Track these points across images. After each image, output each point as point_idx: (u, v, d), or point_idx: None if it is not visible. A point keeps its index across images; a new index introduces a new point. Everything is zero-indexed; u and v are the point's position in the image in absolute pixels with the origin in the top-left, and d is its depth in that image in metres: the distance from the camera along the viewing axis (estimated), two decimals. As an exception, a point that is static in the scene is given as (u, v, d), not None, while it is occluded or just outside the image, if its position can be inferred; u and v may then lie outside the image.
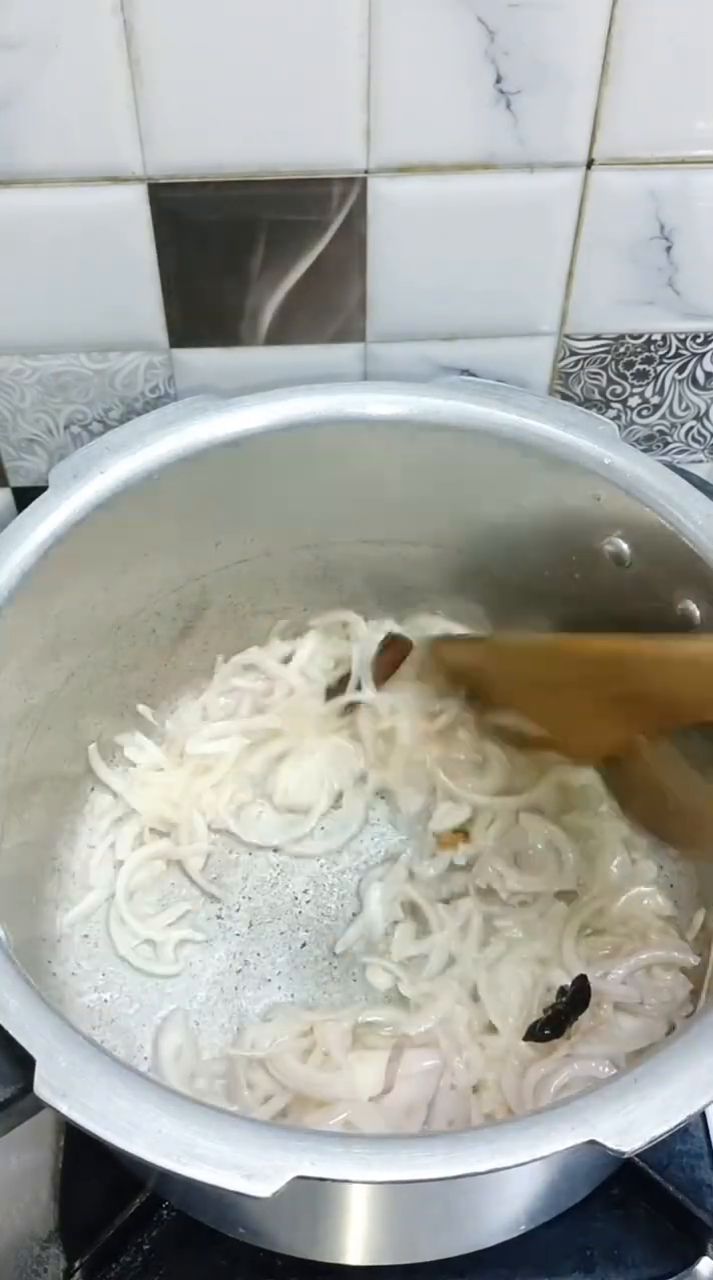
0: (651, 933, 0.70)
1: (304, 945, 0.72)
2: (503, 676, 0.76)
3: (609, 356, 0.72)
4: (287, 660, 0.81)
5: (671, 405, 0.75)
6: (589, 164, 0.63)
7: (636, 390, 0.74)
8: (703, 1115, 0.65)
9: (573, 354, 0.72)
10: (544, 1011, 0.66)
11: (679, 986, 0.67)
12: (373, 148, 0.61)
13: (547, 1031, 0.65)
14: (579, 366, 0.73)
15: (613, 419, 0.71)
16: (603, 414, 0.71)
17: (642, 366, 0.73)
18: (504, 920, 0.71)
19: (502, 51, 0.58)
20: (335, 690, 0.80)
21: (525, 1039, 0.65)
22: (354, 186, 0.63)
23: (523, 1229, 0.64)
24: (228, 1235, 0.64)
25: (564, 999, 0.66)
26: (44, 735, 0.68)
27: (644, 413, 0.75)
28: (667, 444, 0.78)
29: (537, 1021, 0.66)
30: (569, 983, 0.66)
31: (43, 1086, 0.46)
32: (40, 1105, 0.47)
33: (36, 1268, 0.64)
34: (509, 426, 0.67)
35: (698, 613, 0.63)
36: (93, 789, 0.76)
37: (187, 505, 0.68)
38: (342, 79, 0.59)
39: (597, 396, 0.74)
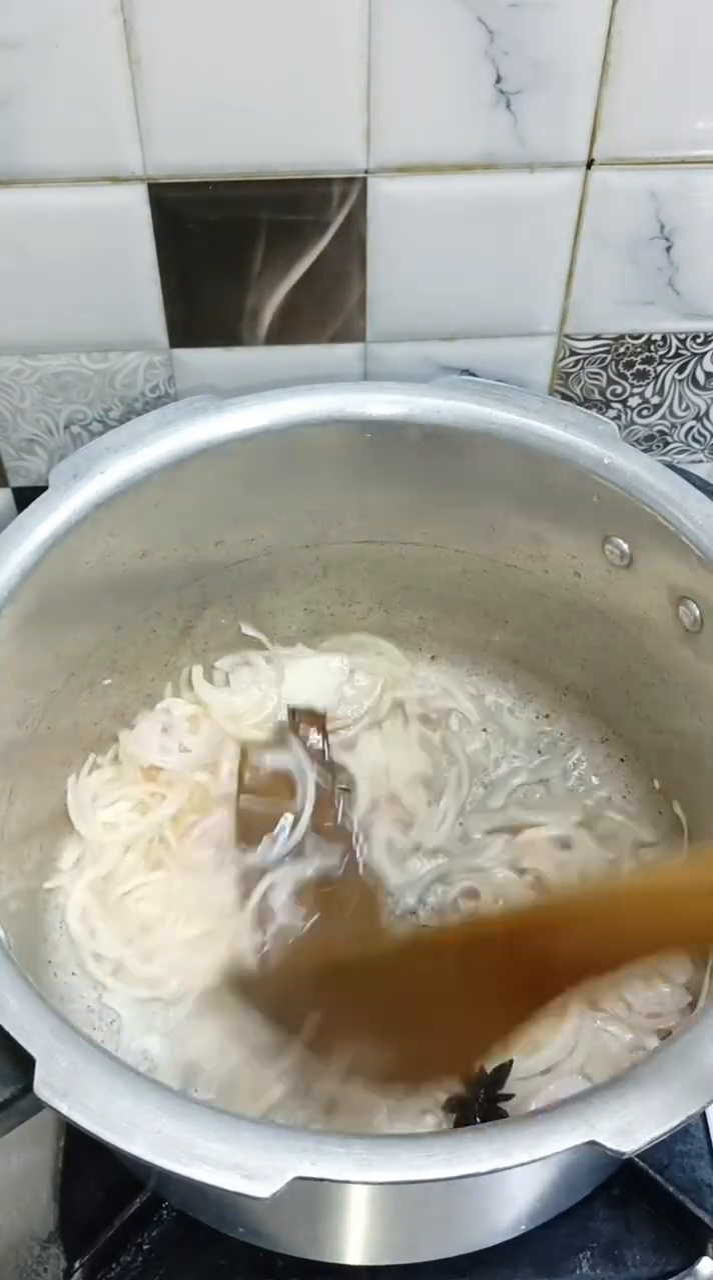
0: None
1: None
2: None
3: (609, 356, 0.72)
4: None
5: (671, 405, 0.75)
6: (589, 164, 0.63)
7: (636, 390, 0.74)
8: (703, 1115, 0.65)
9: (573, 354, 0.72)
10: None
11: (678, 998, 0.67)
12: (373, 148, 0.61)
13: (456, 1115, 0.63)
14: (579, 366, 0.73)
15: (613, 419, 0.71)
16: (603, 414, 0.71)
17: (642, 366, 0.73)
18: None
19: (502, 51, 0.58)
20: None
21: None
22: (354, 186, 0.63)
23: (523, 1229, 0.64)
24: (228, 1235, 0.64)
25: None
26: (44, 735, 0.68)
27: (644, 413, 0.75)
28: (667, 444, 0.77)
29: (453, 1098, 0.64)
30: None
31: (43, 1086, 0.46)
32: (40, 1105, 0.47)
33: (36, 1268, 0.64)
34: (509, 426, 0.67)
35: (698, 612, 0.63)
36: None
37: (187, 505, 0.68)
38: (342, 79, 0.59)
39: (597, 396, 0.74)
